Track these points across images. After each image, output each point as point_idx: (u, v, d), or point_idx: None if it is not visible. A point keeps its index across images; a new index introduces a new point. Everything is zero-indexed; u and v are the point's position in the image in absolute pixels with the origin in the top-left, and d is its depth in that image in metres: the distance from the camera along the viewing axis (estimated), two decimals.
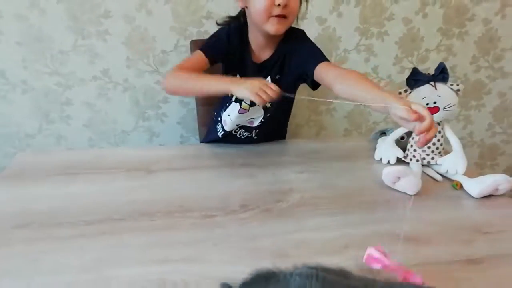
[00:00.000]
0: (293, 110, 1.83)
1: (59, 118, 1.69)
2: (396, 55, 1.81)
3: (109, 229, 0.90)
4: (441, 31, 1.79)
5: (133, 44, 1.58)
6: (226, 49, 1.19)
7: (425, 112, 0.82)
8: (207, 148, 1.33)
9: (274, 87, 0.99)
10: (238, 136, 1.31)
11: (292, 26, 1.17)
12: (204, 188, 1.08)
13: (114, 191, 1.05)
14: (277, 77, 1.21)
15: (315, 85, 1.21)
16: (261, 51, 1.20)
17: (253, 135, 1.31)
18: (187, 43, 1.57)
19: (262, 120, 1.27)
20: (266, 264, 0.77)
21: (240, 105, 1.21)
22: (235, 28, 1.20)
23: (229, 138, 1.32)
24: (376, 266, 0.77)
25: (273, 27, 1.08)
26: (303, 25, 1.63)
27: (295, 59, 1.19)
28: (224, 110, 1.27)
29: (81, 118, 1.70)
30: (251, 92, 0.97)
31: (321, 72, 1.11)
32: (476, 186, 1.04)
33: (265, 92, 0.96)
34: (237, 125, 1.27)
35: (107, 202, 1.00)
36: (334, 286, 0.61)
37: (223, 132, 1.30)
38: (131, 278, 0.76)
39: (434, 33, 1.79)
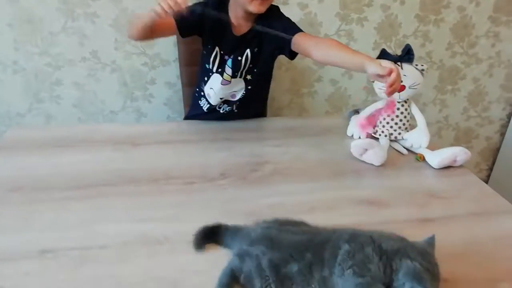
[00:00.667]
0: (275, 93, 1.93)
1: (49, 98, 1.75)
2: (375, 40, 1.89)
3: (96, 193, 0.98)
4: (418, 18, 1.87)
5: (121, 26, 1.64)
6: (201, 20, 1.21)
7: (392, 66, 0.98)
8: (190, 124, 1.41)
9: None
10: (221, 111, 1.39)
11: None
12: (186, 159, 1.16)
13: (101, 161, 1.13)
14: (256, 50, 1.28)
15: (292, 55, 1.27)
16: (240, 24, 1.26)
17: (234, 109, 1.39)
18: None
19: (244, 93, 1.34)
20: (239, 222, 0.86)
21: (222, 76, 1.29)
22: (215, 2, 1.24)
23: (212, 113, 1.39)
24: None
25: (256, 8, 1.16)
26: (284, 10, 1.70)
27: (275, 37, 1.23)
28: (205, 84, 1.35)
29: (71, 98, 1.76)
30: (159, 4, 0.98)
31: (298, 41, 1.18)
32: (436, 157, 1.13)
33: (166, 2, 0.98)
34: (220, 98, 1.35)
35: (95, 171, 1.07)
36: (289, 231, 0.70)
37: (208, 106, 1.38)
38: (116, 234, 0.84)
39: (411, 19, 1.87)
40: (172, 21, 1.17)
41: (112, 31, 1.65)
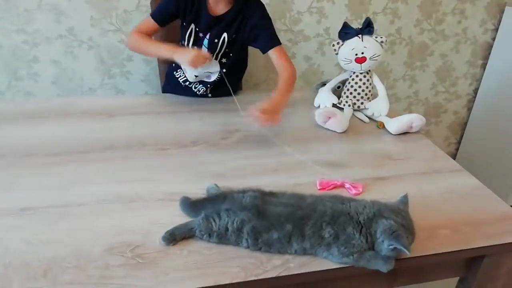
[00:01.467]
0: (251, 70, 1.98)
1: (27, 75, 1.77)
2: (346, 17, 1.95)
3: (74, 159, 1.04)
4: None
5: (97, 3, 1.67)
6: (176, 7, 1.32)
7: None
8: (165, 97, 1.46)
9: (206, 55, 1.24)
10: (196, 91, 1.44)
11: None
12: (160, 128, 1.22)
13: (79, 130, 1.18)
14: (233, 36, 1.34)
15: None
16: (217, 5, 1.32)
17: (208, 92, 1.44)
18: (148, 2, 1.67)
19: (219, 76, 1.40)
20: (208, 182, 0.93)
21: None
22: None
23: (186, 90, 1.45)
24: None
25: None
26: None
27: (253, 29, 1.33)
28: None
29: (49, 75, 1.79)
30: (189, 61, 1.21)
31: (272, 57, 1.35)
32: (393, 124, 1.22)
33: (199, 61, 1.22)
34: (195, 75, 1.40)
35: (73, 139, 1.13)
36: (272, 203, 0.78)
37: (184, 78, 1.43)
38: (93, 194, 0.91)
39: None
40: (156, 26, 1.35)
41: (88, 8, 1.68)
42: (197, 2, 1.32)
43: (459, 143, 2.52)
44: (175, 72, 1.46)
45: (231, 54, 1.38)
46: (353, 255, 0.72)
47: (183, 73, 1.44)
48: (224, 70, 1.40)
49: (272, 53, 1.34)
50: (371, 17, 1.98)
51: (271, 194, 0.84)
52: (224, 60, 1.39)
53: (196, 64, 1.22)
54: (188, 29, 1.35)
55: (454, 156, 2.52)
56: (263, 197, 0.81)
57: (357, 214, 0.75)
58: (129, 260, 0.73)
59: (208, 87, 1.44)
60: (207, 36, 1.34)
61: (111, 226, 0.81)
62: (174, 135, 1.18)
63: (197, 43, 1.36)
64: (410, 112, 2.33)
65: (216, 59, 1.38)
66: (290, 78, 1.31)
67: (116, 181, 0.95)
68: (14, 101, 1.63)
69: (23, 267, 0.71)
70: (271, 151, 1.12)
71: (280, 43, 1.36)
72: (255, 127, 1.24)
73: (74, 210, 0.85)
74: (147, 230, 0.80)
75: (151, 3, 1.64)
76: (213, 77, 1.42)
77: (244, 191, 0.83)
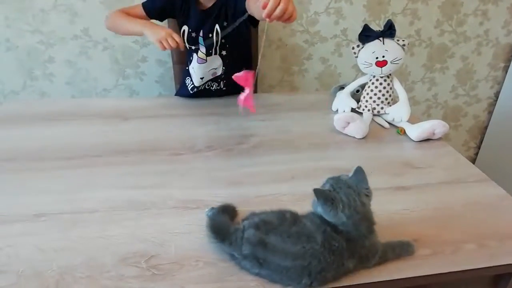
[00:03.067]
0: (265, 71, 1.96)
1: (42, 76, 1.77)
2: (364, 18, 1.91)
3: (87, 163, 1.02)
4: None
5: (111, 3, 1.66)
6: (169, 2, 1.29)
7: None
8: (179, 100, 1.45)
9: (177, 38, 1.14)
10: (209, 89, 1.42)
11: None
12: (174, 132, 1.20)
13: (92, 134, 1.17)
14: (225, 24, 1.29)
15: (254, 22, 1.29)
16: (206, 1, 1.28)
17: (222, 86, 1.42)
18: None
19: (224, 68, 1.37)
20: (223, 190, 0.91)
21: (197, 54, 1.32)
22: None
23: (201, 93, 1.43)
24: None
25: None
26: None
27: (237, 4, 1.25)
28: (190, 63, 1.38)
29: (63, 75, 1.79)
30: (157, 39, 1.14)
31: (248, 3, 1.15)
32: (415, 130, 1.17)
33: (167, 41, 1.13)
34: (201, 78, 1.37)
35: (86, 143, 1.12)
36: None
37: (192, 85, 1.41)
38: (105, 199, 0.89)
39: None
40: (143, 16, 1.32)
41: (103, 8, 1.67)
42: (186, 1, 1.29)
43: (478, 147, 2.45)
44: (186, 80, 1.44)
45: (227, 45, 1.34)
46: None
47: (191, 80, 1.42)
48: (227, 61, 1.37)
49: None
50: (390, 18, 1.95)
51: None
52: (224, 53, 1.35)
53: (163, 45, 1.13)
54: (181, 31, 1.33)
55: (473, 161, 2.46)
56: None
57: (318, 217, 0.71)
58: (144, 271, 0.71)
59: (221, 81, 1.41)
60: (201, 34, 1.31)
61: (124, 234, 0.79)
62: (188, 139, 1.16)
63: (193, 43, 1.33)
64: (429, 115, 2.30)
65: (215, 54, 1.34)
66: None
67: (129, 187, 0.94)
68: (28, 102, 1.62)
69: (35, 277, 0.69)
70: (287, 157, 1.09)
71: None
72: (271, 131, 1.22)
73: (86, 217, 0.84)
74: (161, 239, 0.78)
75: None
76: (219, 72, 1.39)
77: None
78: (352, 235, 0.69)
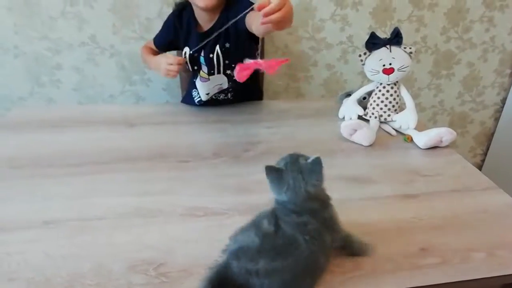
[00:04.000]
0: (271, 78, 1.96)
1: (49, 82, 1.79)
2: (370, 25, 1.91)
3: (94, 170, 1.03)
4: (412, 3, 1.88)
5: (119, 11, 1.67)
6: (173, 34, 1.37)
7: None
8: (185, 107, 1.45)
9: (175, 60, 1.22)
10: (217, 99, 1.42)
11: None
12: (181, 139, 1.20)
13: (99, 140, 1.17)
14: (227, 45, 1.27)
15: (256, 39, 1.27)
16: (206, 23, 1.29)
17: (230, 97, 1.43)
18: (170, 10, 1.66)
19: (230, 83, 1.37)
20: (231, 197, 0.91)
21: (199, 73, 1.34)
22: (179, 10, 1.34)
23: (208, 103, 1.43)
24: (247, 72, 0.89)
25: (202, 2, 1.17)
26: None
27: (237, 25, 1.15)
28: (195, 78, 1.39)
29: (70, 82, 1.80)
30: (162, 73, 1.24)
31: (247, 21, 1.12)
32: (422, 138, 1.17)
33: (173, 70, 1.22)
34: (206, 94, 1.38)
35: (93, 149, 1.12)
36: None
37: (199, 99, 1.41)
38: (113, 206, 0.89)
39: (405, 4, 1.89)
40: (156, 50, 1.44)
41: (111, 16, 1.68)
42: (186, 24, 1.32)
43: (485, 154, 2.44)
44: (193, 91, 1.45)
45: (233, 65, 1.31)
46: None
47: (198, 93, 1.42)
48: (234, 77, 1.35)
49: (248, 16, 1.12)
50: (396, 25, 1.95)
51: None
52: (228, 72, 1.34)
53: (171, 74, 1.23)
54: (183, 53, 1.35)
55: (480, 168, 2.44)
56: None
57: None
58: (152, 279, 0.71)
59: (227, 93, 1.41)
60: (202, 54, 1.30)
61: (132, 242, 0.79)
62: (195, 146, 1.16)
63: (196, 63, 1.34)
64: (435, 122, 2.29)
65: (218, 73, 1.33)
66: None
67: (137, 194, 0.94)
68: (36, 108, 1.64)
69: (45, 284, 0.69)
70: None
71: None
72: (277, 137, 1.22)
73: (94, 224, 0.84)
74: (169, 247, 0.78)
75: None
76: (225, 86, 1.38)
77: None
78: (314, 209, 0.70)
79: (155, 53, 1.43)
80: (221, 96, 1.42)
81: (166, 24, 1.40)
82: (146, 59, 1.42)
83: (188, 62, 1.33)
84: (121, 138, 1.19)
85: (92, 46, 1.73)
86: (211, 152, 1.13)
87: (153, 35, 1.74)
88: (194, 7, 1.27)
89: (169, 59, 1.22)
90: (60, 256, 0.75)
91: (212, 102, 1.43)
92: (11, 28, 1.65)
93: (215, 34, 1.17)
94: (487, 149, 2.41)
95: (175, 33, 1.35)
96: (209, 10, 1.22)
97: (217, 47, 1.28)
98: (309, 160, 0.72)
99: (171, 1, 1.68)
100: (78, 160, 1.06)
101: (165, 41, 1.41)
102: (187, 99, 1.50)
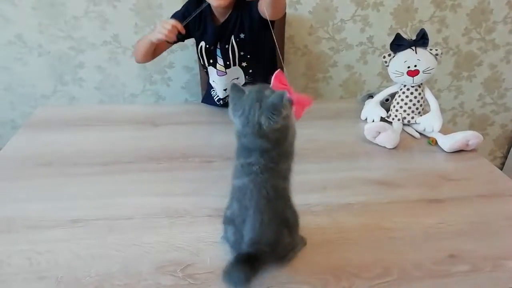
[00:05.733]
0: (290, 78, 1.95)
1: (72, 80, 1.81)
2: (391, 26, 1.89)
3: (120, 169, 1.04)
4: (435, 3, 1.86)
5: (141, 11, 1.68)
6: (186, 24, 1.27)
7: None
8: (207, 107, 1.45)
9: (171, 22, 1.17)
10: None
11: None
12: (203, 139, 1.21)
13: (123, 140, 1.18)
14: (242, 35, 1.29)
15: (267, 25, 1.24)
16: (221, 16, 1.29)
17: None
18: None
19: (247, 77, 1.37)
20: None
21: (215, 67, 1.34)
22: (192, 1, 1.30)
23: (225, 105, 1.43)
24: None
25: (215, 2, 1.18)
26: None
27: (251, 13, 1.24)
28: (210, 77, 1.40)
29: (93, 80, 1.82)
30: (157, 34, 1.19)
31: (259, 7, 1.16)
32: (448, 141, 1.15)
33: (166, 29, 1.16)
34: (224, 90, 1.38)
35: (118, 149, 1.13)
36: None
37: (218, 97, 1.42)
38: (140, 206, 0.90)
39: (427, 5, 1.86)
40: (167, 44, 1.36)
41: (133, 15, 1.70)
42: (203, 17, 1.29)
43: (505, 157, 2.39)
44: (211, 91, 1.45)
45: (248, 56, 1.33)
46: None
47: (216, 92, 1.43)
48: (250, 71, 1.36)
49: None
50: (417, 25, 1.92)
51: None
52: (244, 64, 1.35)
53: (167, 35, 1.17)
54: (198, 46, 1.34)
55: None
56: None
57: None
58: (180, 280, 0.71)
59: None
60: (218, 46, 1.32)
61: (159, 242, 0.80)
62: (218, 146, 1.16)
63: (213, 57, 1.34)
64: (455, 124, 2.26)
65: (234, 65, 1.34)
66: None
67: (163, 194, 0.94)
68: (60, 107, 1.66)
69: (74, 283, 0.70)
70: (318, 166, 1.08)
71: None
72: (299, 139, 1.21)
73: (122, 224, 0.85)
74: (196, 248, 0.79)
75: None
76: (242, 82, 1.39)
77: None
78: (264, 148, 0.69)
79: (160, 48, 1.37)
80: None
81: (182, 11, 1.32)
82: (139, 43, 1.34)
83: (205, 56, 1.33)
84: (145, 137, 1.20)
85: (115, 45, 1.75)
86: (234, 153, 1.13)
87: None
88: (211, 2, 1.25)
89: (165, 22, 1.18)
90: (89, 256, 0.76)
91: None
92: (35, 27, 1.68)
93: None
94: (508, 152, 2.37)
95: (188, 24, 1.27)
96: (222, 8, 1.22)
97: (232, 38, 1.29)
98: (273, 93, 0.68)
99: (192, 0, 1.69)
100: (104, 159, 1.07)
101: (181, 36, 1.30)
102: (207, 99, 1.50)
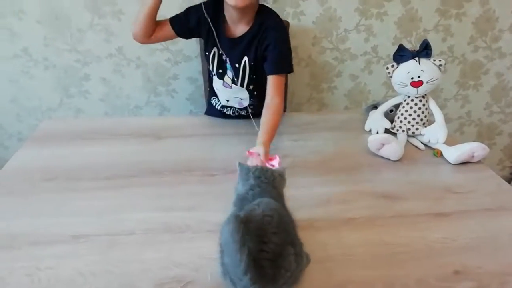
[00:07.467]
0: (294, 88, 1.95)
1: (78, 93, 1.83)
2: (395, 35, 1.89)
3: (123, 184, 1.04)
4: (439, 12, 1.85)
5: None
6: (197, 22, 1.25)
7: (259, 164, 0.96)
8: (211, 119, 1.45)
9: None
10: (240, 114, 1.42)
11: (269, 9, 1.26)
12: (206, 152, 1.20)
13: (127, 153, 1.18)
14: (255, 61, 1.26)
15: None
16: (235, 26, 1.25)
17: (251, 111, 1.39)
18: None
19: (251, 99, 1.36)
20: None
21: (223, 78, 1.32)
22: (210, 2, 1.24)
23: (231, 117, 1.44)
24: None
25: (233, 1, 1.12)
26: (304, 6, 1.73)
27: (266, 49, 1.22)
28: (212, 83, 1.39)
29: (98, 93, 1.84)
30: None
31: (268, 81, 1.22)
32: (453, 153, 1.14)
33: None
34: (226, 100, 1.37)
35: (122, 162, 1.13)
36: None
37: (219, 104, 1.42)
38: (141, 221, 0.90)
39: (432, 13, 1.85)
40: (168, 28, 1.26)
41: None
42: (215, 24, 1.24)
43: None
44: (211, 99, 1.45)
45: (257, 79, 1.31)
46: None
47: (217, 98, 1.42)
48: (255, 93, 1.34)
49: (269, 78, 1.22)
50: (421, 34, 1.92)
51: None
52: (251, 87, 1.32)
53: None
54: (211, 52, 1.30)
55: (509, 181, 2.36)
56: None
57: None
58: None
59: (247, 110, 1.39)
60: (228, 61, 1.28)
61: (160, 258, 0.80)
62: (221, 159, 1.16)
63: (223, 66, 1.31)
64: (462, 133, 2.24)
65: (242, 85, 1.31)
66: (275, 115, 1.17)
67: (165, 209, 0.94)
68: (65, 119, 1.67)
69: None
70: (322, 179, 1.07)
71: (284, 72, 1.26)
72: (303, 151, 1.21)
73: (123, 239, 0.84)
74: (197, 264, 0.78)
75: None
76: (245, 103, 1.37)
77: None
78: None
79: (163, 35, 1.29)
80: (243, 112, 1.41)
81: (194, 9, 1.26)
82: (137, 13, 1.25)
83: (215, 64, 1.31)
84: (149, 151, 1.20)
85: (119, 58, 1.77)
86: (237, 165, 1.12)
87: (178, 47, 1.77)
88: (228, 8, 1.21)
89: None
90: (90, 272, 0.76)
91: (235, 116, 1.43)
92: (41, 41, 1.70)
93: None
94: None
95: (199, 24, 1.26)
96: (239, 9, 1.17)
97: (245, 59, 1.26)
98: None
99: None
100: (107, 173, 1.08)
101: (186, 25, 1.27)
102: (210, 110, 1.50)
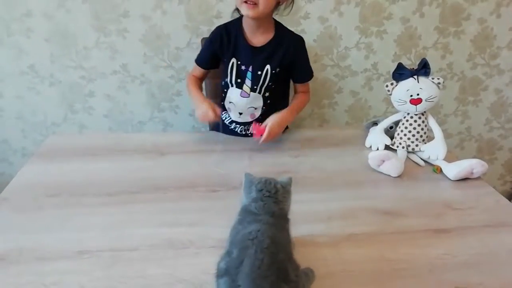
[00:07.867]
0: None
1: (82, 109, 1.86)
2: (395, 53, 1.92)
3: (126, 200, 1.05)
4: (438, 30, 1.89)
5: (150, 41, 1.73)
6: (213, 48, 1.38)
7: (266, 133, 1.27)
8: (214, 135, 1.47)
9: (215, 114, 1.28)
10: (247, 134, 1.45)
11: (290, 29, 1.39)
12: (210, 168, 1.22)
13: (131, 169, 1.20)
14: (277, 69, 1.35)
15: None
16: (254, 36, 1.34)
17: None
18: (199, 40, 1.71)
19: (264, 108, 1.40)
20: None
21: (242, 88, 1.37)
22: (228, 23, 1.38)
23: (237, 132, 1.47)
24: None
25: (245, 11, 1.23)
26: (305, 24, 1.77)
27: (292, 63, 1.37)
28: (225, 98, 1.43)
29: (102, 109, 1.87)
30: (198, 118, 1.32)
31: (297, 86, 1.49)
32: (452, 169, 1.15)
33: (206, 118, 1.29)
34: (240, 113, 1.41)
35: (125, 178, 1.15)
36: None
37: (229, 119, 1.45)
38: (145, 237, 0.91)
39: (431, 31, 1.89)
40: (202, 71, 1.45)
41: (142, 46, 1.75)
42: (234, 35, 1.34)
43: None
44: (222, 113, 1.48)
45: (274, 87, 1.38)
46: None
47: (228, 114, 1.45)
48: (269, 101, 1.41)
49: (299, 85, 1.48)
50: (420, 52, 1.95)
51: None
52: (267, 94, 1.39)
53: (204, 119, 1.30)
54: (229, 63, 1.36)
55: (509, 196, 2.37)
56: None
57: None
58: None
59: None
60: (250, 69, 1.35)
61: (163, 274, 0.80)
62: (224, 175, 1.18)
63: (241, 76, 1.37)
64: (462, 148, 2.25)
65: (259, 92, 1.37)
66: (303, 101, 1.47)
67: (168, 225, 0.95)
68: (69, 135, 1.69)
69: None
70: (323, 195, 1.08)
71: (311, 77, 1.47)
72: (304, 167, 1.22)
73: (127, 255, 0.85)
74: (200, 280, 0.79)
75: (202, 40, 1.68)
76: (257, 114, 1.41)
77: None
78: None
79: (199, 82, 1.47)
80: (251, 130, 1.44)
81: (211, 37, 1.39)
82: (191, 91, 1.42)
83: (234, 74, 1.37)
84: (152, 167, 1.22)
85: (124, 75, 1.80)
86: (239, 182, 1.13)
87: (182, 64, 1.81)
88: (244, 20, 1.33)
89: (210, 111, 1.27)
90: None
91: (242, 135, 1.46)
92: (48, 58, 1.74)
93: None
94: None
95: (221, 44, 1.36)
96: (252, 19, 1.27)
97: (268, 67, 1.34)
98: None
99: (200, 32, 1.74)
100: (111, 189, 1.09)
101: (208, 54, 1.41)
102: (216, 125, 1.52)
